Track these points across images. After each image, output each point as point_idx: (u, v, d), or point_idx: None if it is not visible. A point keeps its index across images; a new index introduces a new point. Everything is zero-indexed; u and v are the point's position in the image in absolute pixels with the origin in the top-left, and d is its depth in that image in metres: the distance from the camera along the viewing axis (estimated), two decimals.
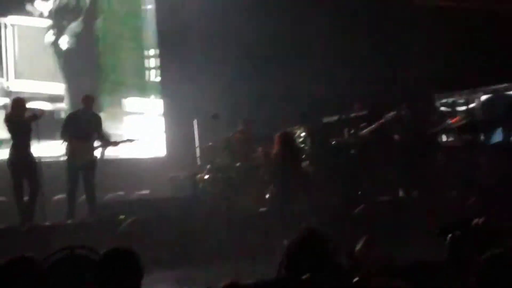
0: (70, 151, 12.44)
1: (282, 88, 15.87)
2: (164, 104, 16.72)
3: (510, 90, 14.34)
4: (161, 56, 16.81)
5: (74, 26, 16.04)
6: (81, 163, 12.45)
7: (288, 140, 13.15)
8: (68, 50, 15.94)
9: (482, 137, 13.48)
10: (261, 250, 10.65)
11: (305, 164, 13.83)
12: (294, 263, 5.02)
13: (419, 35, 15.50)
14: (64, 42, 15.89)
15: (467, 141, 13.41)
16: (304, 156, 13.85)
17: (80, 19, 16.13)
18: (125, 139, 13.87)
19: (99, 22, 16.40)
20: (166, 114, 16.67)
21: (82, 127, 12.53)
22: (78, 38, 16.02)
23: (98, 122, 12.91)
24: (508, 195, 11.34)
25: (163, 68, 16.80)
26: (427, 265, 4.90)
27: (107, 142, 13.08)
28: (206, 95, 15.28)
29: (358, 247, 5.48)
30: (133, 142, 13.78)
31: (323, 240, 5.13)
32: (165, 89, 16.75)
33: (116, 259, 4.69)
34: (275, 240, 10.34)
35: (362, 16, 16.05)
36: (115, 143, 13.30)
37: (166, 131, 16.62)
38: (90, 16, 16.26)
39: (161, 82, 16.87)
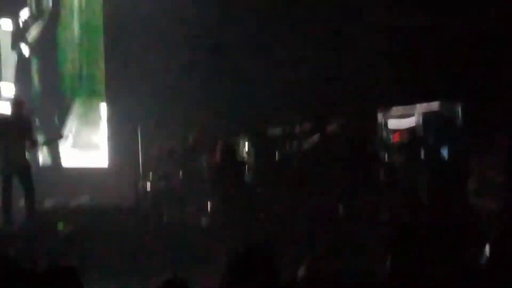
0: (1, 157, 12.26)
1: (229, 96, 15.88)
2: (108, 110, 16.57)
3: (450, 108, 14.49)
4: (106, 61, 16.66)
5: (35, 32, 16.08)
6: (13, 168, 12.25)
7: (228, 151, 13.16)
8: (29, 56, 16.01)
9: (423, 155, 13.61)
10: (203, 262, 10.60)
11: (248, 176, 13.86)
12: (236, 277, 5.00)
13: (364, 50, 15.61)
14: (25, 47, 15.94)
15: (408, 159, 13.54)
16: (247, 167, 13.87)
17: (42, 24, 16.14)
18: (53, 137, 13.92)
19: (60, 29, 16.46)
20: (109, 120, 16.51)
21: (13, 131, 12.34)
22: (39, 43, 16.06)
23: (29, 126, 12.65)
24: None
25: (107, 74, 16.66)
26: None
27: (34, 142, 12.86)
28: (151, 101, 15.24)
29: (302, 267, 5.47)
30: (62, 139, 13.82)
31: (266, 255, 5.12)
32: (109, 95, 16.61)
33: (56, 277, 4.64)
34: (218, 252, 10.34)
35: (310, 32, 16.08)
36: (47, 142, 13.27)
37: (109, 138, 16.45)
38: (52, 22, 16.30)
39: (106, 88, 16.73)
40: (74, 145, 15.95)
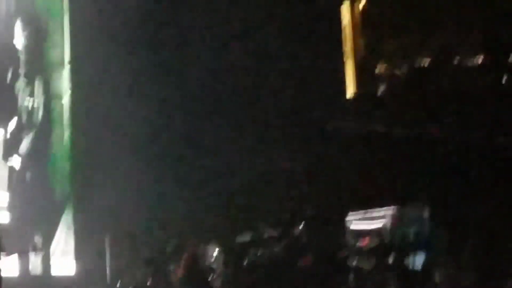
0: None
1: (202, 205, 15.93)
2: (75, 219, 16.49)
3: (418, 212, 14.56)
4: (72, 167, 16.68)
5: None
6: None
7: (194, 263, 13.12)
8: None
9: (391, 260, 13.60)
10: None
11: (216, 283, 13.77)
12: None
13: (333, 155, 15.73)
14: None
15: (377, 264, 13.52)
16: (214, 275, 13.78)
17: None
18: None
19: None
20: (77, 229, 16.41)
21: None
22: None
23: None
24: None
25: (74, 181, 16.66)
26: None
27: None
28: (120, 211, 15.24)
29: None
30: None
31: None
32: (77, 205, 16.56)
33: None
34: None
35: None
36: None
37: (76, 247, 16.32)
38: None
39: (74, 197, 16.70)
40: (63, 253, 15.88)
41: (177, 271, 13.46)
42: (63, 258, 15.86)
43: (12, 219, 13.64)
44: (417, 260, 13.62)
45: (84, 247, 15.92)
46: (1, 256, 12.36)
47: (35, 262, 15.49)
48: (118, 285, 14.02)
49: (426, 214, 14.23)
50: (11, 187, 16.09)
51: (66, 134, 16.65)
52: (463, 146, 14.15)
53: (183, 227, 15.47)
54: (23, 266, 15.35)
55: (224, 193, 15.81)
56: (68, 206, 16.55)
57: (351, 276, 13.45)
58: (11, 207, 15.70)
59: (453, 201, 13.76)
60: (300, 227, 14.34)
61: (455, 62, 13.97)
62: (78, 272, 15.94)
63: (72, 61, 16.62)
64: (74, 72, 16.69)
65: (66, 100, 16.75)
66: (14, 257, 13.13)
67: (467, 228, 13.59)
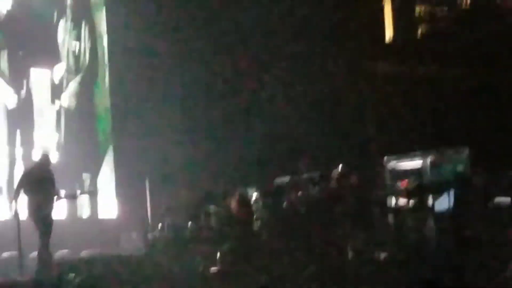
0: (30, 207, 12.39)
1: (230, 149, 16.02)
2: (115, 162, 16.69)
3: (457, 154, 14.58)
4: (113, 116, 16.81)
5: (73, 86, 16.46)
6: (39, 218, 12.38)
7: (246, 201, 13.30)
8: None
9: (430, 201, 13.65)
10: None
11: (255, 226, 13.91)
12: None
13: (371, 98, 15.76)
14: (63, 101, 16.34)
15: (416, 204, 13.57)
16: (255, 218, 13.92)
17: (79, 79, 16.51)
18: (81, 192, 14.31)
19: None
20: (117, 172, 16.63)
21: (40, 183, 12.51)
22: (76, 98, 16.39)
23: (53, 178, 12.88)
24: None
25: (114, 126, 16.81)
26: None
27: (68, 195, 13.24)
28: (158, 154, 15.39)
29: None
30: (91, 194, 14.03)
31: None
32: (116, 148, 16.74)
33: None
34: None
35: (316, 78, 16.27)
36: (74, 196, 13.69)
37: (117, 190, 16.56)
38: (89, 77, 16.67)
39: (113, 141, 16.88)
40: (106, 196, 16.13)
41: (225, 211, 13.62)
42: (106, 201, 16.09)
43: (60, 160, 13.83)
44: (454, 201, 13.67)
45: (125, 190, 16.14)
46: (55, 199, 12.63)
47: (82, 204, 15.73)
48: (159, 226, 14.19)
49: (465, 155, 14.29)
50: (59, 129, 16.31)
51: (107, 77, 16.82)
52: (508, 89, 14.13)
53: (223, 171, 15.62)
54: (71, 208, 15.61)
55: (264, 137, 15.92)
56: (109, 148, 16.75)
57: (391, 216, 13.51)
58: (59, 148, 15.92)
59: (492, 142, 13.77)
60: (339, 168, 14.38)
61: (498, 1, 13.90)
62: (120, 215, 16.18)
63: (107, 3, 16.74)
64: (109, 14, 16.79)
65: (105, 42, 16.87)
66: (63, 199, 13.36)
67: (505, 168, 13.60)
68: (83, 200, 15.32)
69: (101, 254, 14.14)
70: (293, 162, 15.23)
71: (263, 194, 14.49)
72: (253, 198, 14.31)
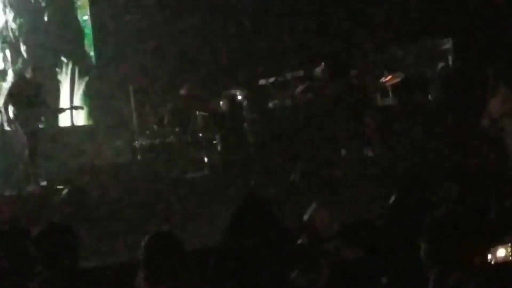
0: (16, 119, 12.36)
1: (216, 49, 15.75)
2: (99, 70, 16.36)
3: (443, 46, 14.38)
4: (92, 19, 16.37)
5: None
6: (29, 130, 12.38)
7: (236, 102, 13.21)
8: None
9: (417, 95, 13.55)
10: (204, 216, 10.59)
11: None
12: (238, 229, 5.01)
13: None
14: None
15: (403, 100, 13.48)
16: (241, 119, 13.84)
17: None
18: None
19: None
20: (101, 79, 16.27)
21: (30, 94, 12.50)
22: None
23: (43, 90, 12.95)
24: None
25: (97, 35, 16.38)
26: (373, 226, 4.93)
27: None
28: (141, 61, 15.17)
29: (308, 213, 5.48)
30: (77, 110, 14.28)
31: (268, 205, 5.13)
32: (99, 54, 16.37)
33: (51, 235, 4.69)
34: (218, 205, 10.34)
35: None
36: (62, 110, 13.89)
37: (101, 97, 16.24)
38: None
39: (96, 48, 16.49)
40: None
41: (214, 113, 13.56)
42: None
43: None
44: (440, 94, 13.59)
45: (109, 96, 15.78)
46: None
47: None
48: (147, 132, 14.11)
49: (449, 46, 14.13)
50: None
51: None
52: None
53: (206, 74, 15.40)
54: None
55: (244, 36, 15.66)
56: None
57: (377, 114, 13.42)
58: None
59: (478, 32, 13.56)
60: (321, 67, 14.23)
61: None
62: (104, 121, 15.81)
63: None
64: None
65: None
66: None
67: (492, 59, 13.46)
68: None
69: (87, 163, 14.02)
70: (275, 62, 15.02)
71: (248, 96, 14.38)
72: (240, 99, 14.19)
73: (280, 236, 4.85)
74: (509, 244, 3.75)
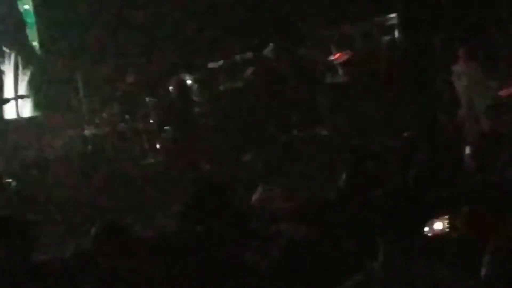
0: None
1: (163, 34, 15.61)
2: (43, 59, 16.09)
3: (387, 22, 14.43)
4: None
5: None
6: None
7: (184, 86, 13.13)
8: None
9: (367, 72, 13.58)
10: (158, 202, 10.54)
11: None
12: (192, 212, 5.00)
13: None
14: None
15: (354, 77, 13.51)
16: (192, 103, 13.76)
17: None
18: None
19: None
20: (46, 69, 16.00)
21: None
22: None
23: None
24: None
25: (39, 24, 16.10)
26: (326, 203, 4.94)
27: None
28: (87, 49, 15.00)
29: (257, 192, 5.47)
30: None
31: (221, 187, 5.12)
32: (43, 43, 16.09)
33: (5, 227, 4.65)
34: (171, 191, 10.31)
35: None
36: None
37: (47, 87, 15.98)
38: None
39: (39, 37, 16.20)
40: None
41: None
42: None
43: None
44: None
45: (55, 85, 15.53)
46: None
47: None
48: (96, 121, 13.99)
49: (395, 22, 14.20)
50: None
51: None
52: None
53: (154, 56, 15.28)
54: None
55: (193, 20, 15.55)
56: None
57: (329, 94, 13.45)
58: None
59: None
60: (270, 49, 14.20)
61: None
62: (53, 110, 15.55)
63: None
64: None
65: None
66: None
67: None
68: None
69: (38, 156, 13.83)
70: (224, 44, 14.95)
71: (198, 79, 14.32)
72: (189, 83, 14.12)
73: (232, 219, 4.84)
74: (446, 217, 3.83)
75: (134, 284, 4.46)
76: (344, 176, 5.44)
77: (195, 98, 13.83)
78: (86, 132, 13.91)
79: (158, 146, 13.35)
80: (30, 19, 15.82)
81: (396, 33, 14.17)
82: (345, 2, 14.52)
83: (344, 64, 13.74)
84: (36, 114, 15.46)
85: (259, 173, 10.68)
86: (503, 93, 11.75)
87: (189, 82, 14.09)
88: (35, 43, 15.82)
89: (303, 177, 10.27)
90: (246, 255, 4.53)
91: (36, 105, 15.44)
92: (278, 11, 15.07)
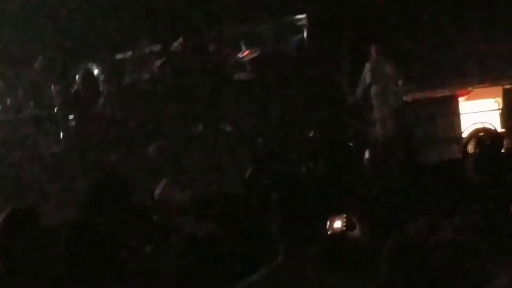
0: None
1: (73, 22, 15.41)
2: None
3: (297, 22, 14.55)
4: None
5: None
6: None
7: (91, 75, 13.03)
8: None
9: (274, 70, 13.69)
10: (60, 191, 10.43)
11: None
12: (93, 205, 4.97)
13: None
14: None
15: (261, 74, 13.61)
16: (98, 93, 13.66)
17: None
18: None
19: None
20: None
21: None
22: None
23: None
24: None
25: None
26: (229, 198, 4.97)
27: None
28: None
29: (160, 187, 5.47)
30: None
31: (122, 180, 5.11)
32: None
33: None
34: (75, 181, 10.23)
35: None
36: None
37: None
38: None
39: None
40: None
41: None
42: None
43: None
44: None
45: None
46: None
47: None
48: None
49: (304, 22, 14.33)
50: None
51: None
52: None
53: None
54: None
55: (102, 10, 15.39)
56: None
57: (236, 89, 13.53)
58: None
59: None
60: (179, 41, 14.19)
61: None
62: None
63: None
64: None
65: None
66: None
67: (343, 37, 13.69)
68: None
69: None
70: (134, 35, 14.85)
71: (105, 70, 14.20)
72: (96, 73, 13.99)
73: (134, 212, 4.83)
74: (345, 216, 3.92)
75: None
76: (248, 173, 5.49)
77: (101, 89, 13.74)
78: None
79: (62, 135, 13.21)
80: None
81: (305, 34, 14.34)
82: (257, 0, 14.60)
83: (252, 61, 13.82)
84: None
85: (163, 166, 10.64)
86: (408, 97, 11.91)
87: (96, 71, 13.98)
88: None
89: (206, 171, 10.31)
90: (146, 249, 4.55)
91: None
92: (191, 5, 15.03)
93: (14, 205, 4.91)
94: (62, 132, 13.20)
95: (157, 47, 14.54)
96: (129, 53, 14.61)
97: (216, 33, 14.63)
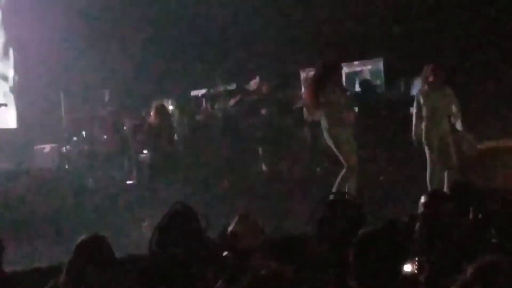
0: None
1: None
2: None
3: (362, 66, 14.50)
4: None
5: None
6: None
7: (165, 112, 13.21)
8: None
9: None
10: (130, 224, 10.52)
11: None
12: (165, 238, 5.02)
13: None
14: None
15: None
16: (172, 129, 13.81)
17: None
18: None
19: None
20: (25, 83, 15.90)
21: None
22: None
23: None
24: None
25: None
26: (299, 240, 4.96)
27: None
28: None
29: (232, 224, 5.49)
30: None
31: (195, 215, 5.15)
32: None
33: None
34: (145, 214, 10.31)
35: None
36: None
37: (26, 100, 15.90)
38: None
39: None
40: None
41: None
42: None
43: None
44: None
45: (35, 99, 15.46)
46: None
47: None
48: (74, 138, 13.94)
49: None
50: None
51: None
52: None
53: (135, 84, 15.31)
54: None
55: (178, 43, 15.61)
56: None
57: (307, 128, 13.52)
58: None
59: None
60: (256, 81, 14.30)
61: None
62: (31, 125, 15.48)
63: None
64: None
65: None
66: None
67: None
68: None
69: (13, 167, 13.70)
70: (208, 73, 15.02)
71: (179, 106, 14.38)
72: (170, 110, 14.16)
73: (205, 247, 4.87)
74: (416, 259, 3.92)
75: None
76: (318, 214, 5.48)
77: (175, 124, 13.90)
78: (63, 149, 13.88)
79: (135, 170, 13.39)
80: None
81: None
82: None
83: None
84: None
85: (234, 203, 10.71)
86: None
87: (170, 108, 14.15)
88: None
89: (274, 212, 10.27)
90: (217, 285, 4.57)
91: None
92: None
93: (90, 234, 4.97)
94: (135, 167, 13.39)
95: (232, 86, 14.65)
96: (204, 91, 14.78)
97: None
